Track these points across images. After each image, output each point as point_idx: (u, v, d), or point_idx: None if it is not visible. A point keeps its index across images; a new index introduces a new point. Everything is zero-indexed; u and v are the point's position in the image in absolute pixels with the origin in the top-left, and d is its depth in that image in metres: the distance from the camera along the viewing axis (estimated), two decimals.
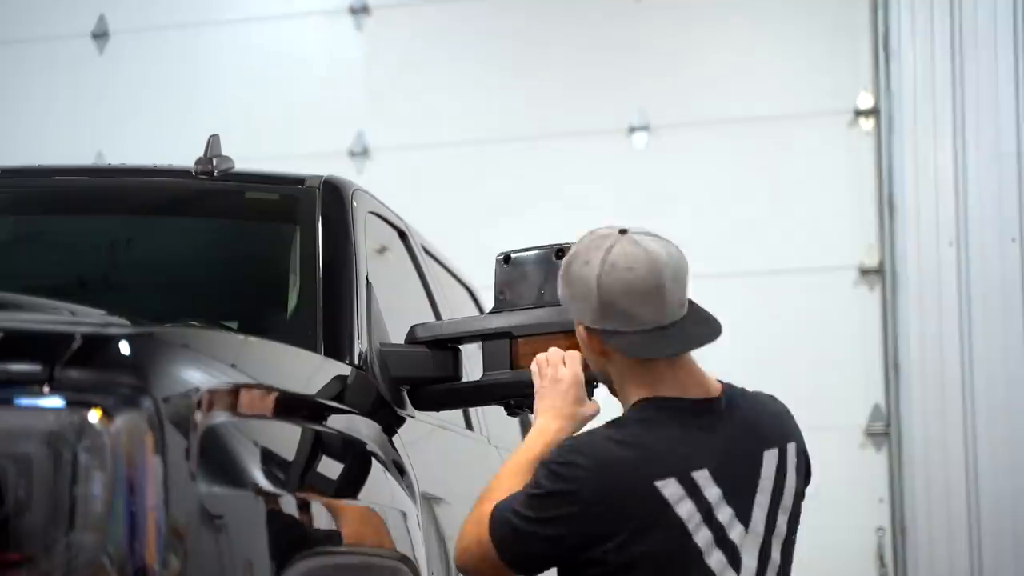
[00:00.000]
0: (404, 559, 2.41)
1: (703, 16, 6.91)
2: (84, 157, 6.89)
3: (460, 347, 2.77)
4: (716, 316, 2.46)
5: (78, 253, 3.16)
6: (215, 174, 3.00)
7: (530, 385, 2.56)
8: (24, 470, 1.67)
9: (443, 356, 2.71)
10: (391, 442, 2.58)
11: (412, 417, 2.76)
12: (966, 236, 6.27)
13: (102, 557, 1.67)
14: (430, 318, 3.34)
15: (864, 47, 6.62)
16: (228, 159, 3.04)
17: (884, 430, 6.37)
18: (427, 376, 2.73)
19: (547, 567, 2.43)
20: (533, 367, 2.57)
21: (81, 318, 2.02)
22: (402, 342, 2.78)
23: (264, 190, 3.12)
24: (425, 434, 2.86)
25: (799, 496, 2.49)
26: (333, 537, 2.15)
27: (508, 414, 2.85)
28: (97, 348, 1.77)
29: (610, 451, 2.34)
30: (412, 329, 2.77)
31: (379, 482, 2.42)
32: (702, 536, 2.34)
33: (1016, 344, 6.16)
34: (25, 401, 1.69)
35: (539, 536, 2.35)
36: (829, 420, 6.36)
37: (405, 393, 2.75)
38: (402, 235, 3.42)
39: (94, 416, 1.69)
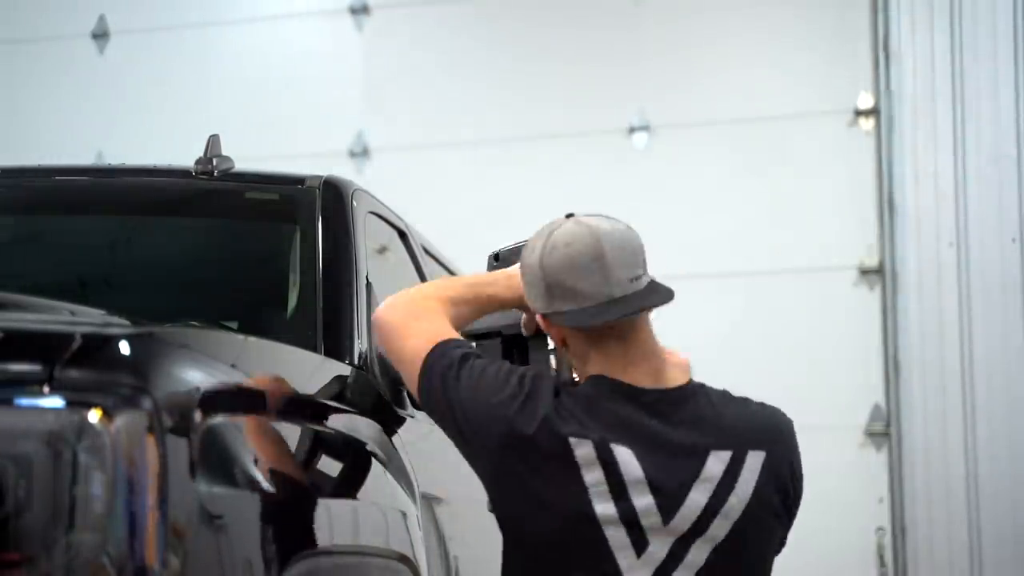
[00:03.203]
0: (404, 559, 2.42)
1: (703, 16, 6.91)
2: (84, 157, 6.89)
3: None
4: (671, 288, 2.44)
5: (78, 253, 3.16)
6: (215, 174, 3.00)
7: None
8: (24, 470, 1.67)
9: None
10: (391, 442, 2.58)
11: (412, 417, 2.76)
12: (966, 236, 6.27)
13: (102, 557, 1.67)
14: None
15: (864, 48, 6.62)
16: (228, 159, 3.04)
17: (884, 430, 6.37)
18: None
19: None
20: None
21: (81, 318, 2.02)
22: None
23: (264, 190, 3.13)
24: (425, 434, 2.86)
25: (762, 508, 2.38)
26: (333, 537, 2.15)
27: None
28: (97, 348, 1.77)
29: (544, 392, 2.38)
30: None
31: (379, 482, 2.42)
32: (603, 507, 2.32)
33: (1016, 344, 6.16)
34: (25, 401, 1.69)
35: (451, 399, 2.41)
36: (829, 420, 6.36)
37: (405, 393, 2.75)
38: (402, 235, 3.42)
39: (94, 416, 1.69)
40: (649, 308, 2.41)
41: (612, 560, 2.32)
